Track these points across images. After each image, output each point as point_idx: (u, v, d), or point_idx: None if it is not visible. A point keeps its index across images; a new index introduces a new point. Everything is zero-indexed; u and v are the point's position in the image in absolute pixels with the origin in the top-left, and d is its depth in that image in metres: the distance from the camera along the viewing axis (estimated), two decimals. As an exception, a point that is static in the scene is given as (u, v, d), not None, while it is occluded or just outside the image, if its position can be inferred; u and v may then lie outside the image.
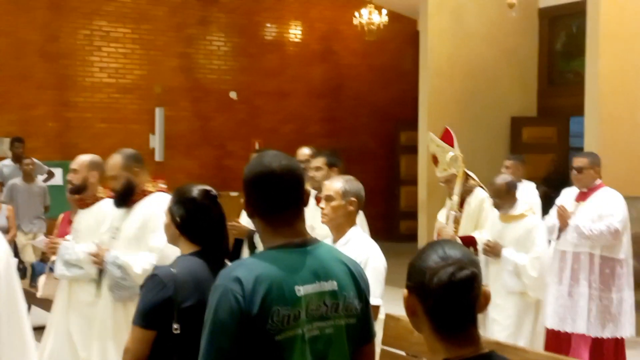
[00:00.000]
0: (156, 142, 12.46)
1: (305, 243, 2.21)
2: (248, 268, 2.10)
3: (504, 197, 5.28)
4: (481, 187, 5.74)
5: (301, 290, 2.11)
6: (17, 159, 9.76)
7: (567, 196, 6.04)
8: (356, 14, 12.49)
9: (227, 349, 2.03)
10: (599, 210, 5.58)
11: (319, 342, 2.14)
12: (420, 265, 1.78)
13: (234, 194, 10.80)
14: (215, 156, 13.14)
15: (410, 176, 13.23)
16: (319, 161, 5.50)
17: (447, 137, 5.79)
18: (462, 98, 12.30)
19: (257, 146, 13.41)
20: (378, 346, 4.07)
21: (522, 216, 5.29)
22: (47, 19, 11.91)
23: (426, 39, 11.94)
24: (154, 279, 2.70)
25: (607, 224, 5.46)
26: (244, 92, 13.51)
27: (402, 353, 4.18)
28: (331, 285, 2.18)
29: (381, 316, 4.07)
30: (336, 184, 3.72)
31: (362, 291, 2.28)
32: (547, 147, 12.96)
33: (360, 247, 3.65)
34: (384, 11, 12.67)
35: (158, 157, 12.51)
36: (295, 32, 14.16)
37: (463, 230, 5.65)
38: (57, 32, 12.01)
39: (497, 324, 5.19)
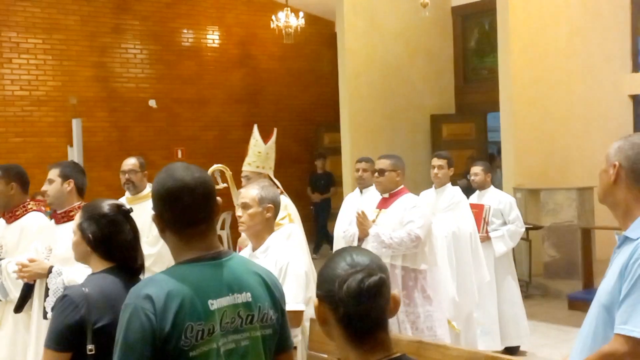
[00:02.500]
0: (75, 154, 12.13)
1: (217, 256, 2.19)
2: (159, 284, 2.06)
3: None
4: (284, 193, 5.13)
5: (214, 304, 2.09)
6: None
7: (367, 202, 5.69)
8: (273, 17, 12.47)
9: None
10: (400, 217, 5.11)
11: (234, 355, 2.13)
12: (328, 273, 1.78)
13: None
14: (136, 166, 12.88)
15: (335, 177, 13.32)
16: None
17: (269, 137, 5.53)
18: (382, 98, 12.43)
19: (179, 155, 13.25)
20: (305, 350, 4.07)
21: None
22: (-48, 31, 11.46)
23: (343, 40, 12.02)
24: (65, 300, 2.60)
25: (407, 230, 4.99)
26: (163, 100, 13.31)
27: (327, 356, 4.17)
28: (245, 297, 2.17)
29: (306, 323, 4.05)
30: (252, 191, 3.69)
31: (276, 301, 2.27)
32: (466, 142, 13.24)
33: (280, 254, 3.64)
34: (301, 14, 12.69)
35: (77, 170, 12.19)
36: (212, 38, 14.04)
37: None
38: (-37, 45, 11.57)
39: None
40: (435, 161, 6.24)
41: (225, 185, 5.66)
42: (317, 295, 1.80)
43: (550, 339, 7.26)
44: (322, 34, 14.92)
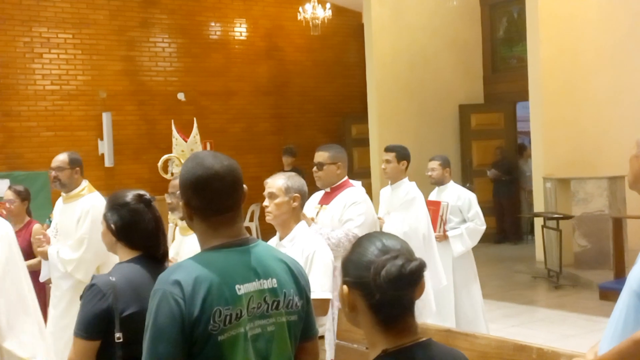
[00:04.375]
0: (105, 147, 12.28)
1: (244, 242, 2.20)
2: (187, 270, 2.08)
3: None
4: None
5: (241, 289, 2.10)
6: None
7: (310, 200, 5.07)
8: (300, 9, 12.47)
9: (169, 353, 2.01)
10: (340, 214, 4.63)
11: (261, 340, 2.14)
12: (359, 260, 1.76)
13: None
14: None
15: (363, 169, 13.29)
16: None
17: (181, 130, 5.08)
18: (409, 89, 12.39)
19: (208, 147, 13.31)
20: (333, 340, 4.07)
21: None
22: (-17, 28, 11.63)
23: (370, 31, 11.99)
24: (93, 289, 2.64)
25: (345, 230, 4.49)
26: (190, 93, 13.39)
27: (356, 346, 4.18)
28: (271, 282, 2.18)
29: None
30: (278, 181, 3.70)
31: (302, 288, 2.28)
32: (495, 132, 13.15)
33: (306, 243, 3.65)
34: (328, 5, 12.67)
35: (108, 162, 12.33)
36: (239, 30, 14.08)
37: None
38: (-6, 41, 11.73)
39: None
40: (383, 155, 5.74)
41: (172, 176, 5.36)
42: (346, 283, 1.78)
43: (580, 329, 7.19)
44: (349, 25, 14.88)
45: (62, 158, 5.09)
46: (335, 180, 4.71)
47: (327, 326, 3.80)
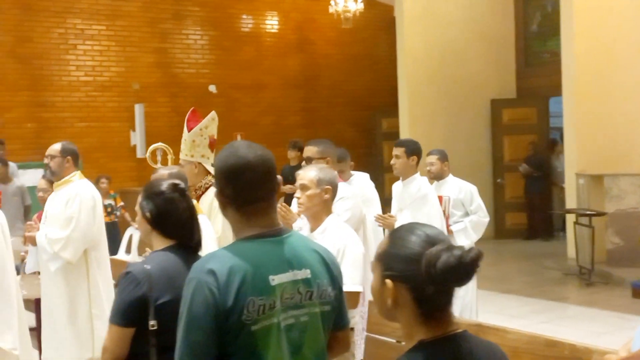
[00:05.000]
0: (137, 138, 12.38)
1: (277, 233, 2.21)
2: (221, 260, 2.09)
3: None
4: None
5: (275, 279, 2.11)
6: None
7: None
8: (332, 2, 12.44)
9: (203, 341, 2.03)
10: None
11: (294, 330, 2.15)
12: (404, 253, 1.72)
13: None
14: (195, 151, 13.05)
15: (392, 163, 13.24)
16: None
17: (194, 119, 4.92)
18: (440, 82, 12.33)
19: (239, 139, 13.38)
20: (363, 332, 4.08)
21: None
22: (18, 20, 11.77)
23: (402, 24, 11.94)
24: (128, 277, 2.67)
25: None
26: (221, 86, 13.46)
27: (387, 339, 4.19)
28: (304, 273, 2.18)
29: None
30: (310, 172, 3.71)
31: (335, 278, 2.28)
32: (527, 128, 13.03)
33: (337, 235, 3.65)
34: (360, -2, 12.63)
35: (139, 153, 12.42)
36: (271, 23, 14.11)
37: None
38: (29, 32, 11.87)
39: None
40: (393, 150, 5.61)
41: (159, 166, 5.22)
42: (389, 277, 1.74)
43: (611, 326, 7.12)
44: (380, 19, 14.83)
45: (55, 147, 5.13)
46: None
47: (357, 319, 3.80)
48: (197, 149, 4.73)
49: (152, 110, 12.60)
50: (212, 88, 13.38)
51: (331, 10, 12.47)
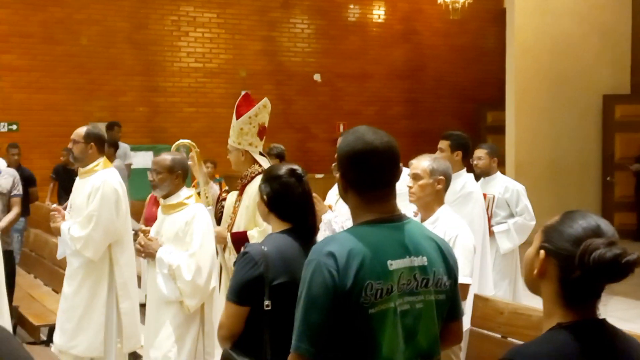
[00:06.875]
0: (242, 125, 12.62)
1: (397, 219, 2.22)
2: (341, 243, 2.12)
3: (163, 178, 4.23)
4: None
5: (393, 264, 2.12)
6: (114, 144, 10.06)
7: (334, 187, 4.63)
8: (441, -8, 12.31)
9: (321, 322, 2.06)
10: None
11: (409, 316, 2.15)
12: (569, 232, 1.73)
13: (319, 176, 10.85)
14: (298, 139, 13.23)
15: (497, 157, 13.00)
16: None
17: (245, 104, 4.71)
18: (551, 76, 11.99)
19: (341, 129, 13.44)
20: (467, 326, 4.05)
21: (182, 205, 4.24)
22: (135, 7, 12.23)
23: (513, 16, 11.67)
24: (246, 257, 2.75)
25: None
26: (326, 75, 13.55)
27: (492, 334, 4.13)
28: (421, 260, 2.19)
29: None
30: (424, 162, 3.70)
31: (450, 268, 2.28)
32: (641, 125, 12.49)
33: (448, 226, 3.63)
34: (469, -12, 12.44)
35: (243, 140, 12.70)
36: (377, 13, 14.08)
37: (237, 227, 4.46)
38: (144, 19, 12.32)
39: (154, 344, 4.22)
40: (439, 143, 5.42)
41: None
42: (545, 248, 1.76)
43: None
44: (489, 10, 14.55)
45: (80, 131, 4.91)
46: None
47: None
48: (244, 137, 4.52)
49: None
50: (317, 77, 13.50)
51: (439, 0, 12.33)
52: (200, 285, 4.05)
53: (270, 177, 2.95)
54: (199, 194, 4.60)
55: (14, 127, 11.40)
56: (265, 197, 2.91)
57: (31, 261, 7.89)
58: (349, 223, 4.19)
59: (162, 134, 12.14)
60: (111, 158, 9.62)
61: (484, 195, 5.66)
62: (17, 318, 6.07)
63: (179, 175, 4.23)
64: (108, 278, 4.84)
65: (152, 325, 4.23)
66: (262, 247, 2.77)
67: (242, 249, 2.85)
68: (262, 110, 4.64)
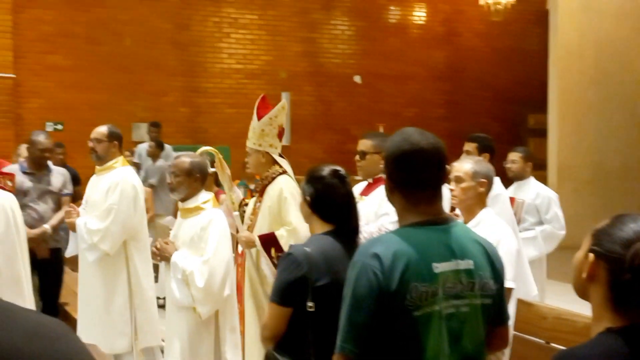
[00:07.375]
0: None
1: (441, 221, 2.21)
2: (386, 244, 2.12)
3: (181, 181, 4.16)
4: (287, 174, 4.52)
5: (438, 267, 2.11)
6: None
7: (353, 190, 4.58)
8: (483, -6, 12.22)
9: (365, 324, 2.06)
10: (377, 207, 4.33)
11: (454, 320, 2.14)
12: (619, 235, 1.72)
13: (358, 178, 10.81)
14: (338, 141, 13.22)
15: (539, 160, 12.82)
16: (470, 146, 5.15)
17: (263, 106, 4.65)
18: (594, 78, 11.81)
19: (381, 130, 13.41)
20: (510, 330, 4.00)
21: (199, 209, 4.17)
22: (178, 8, 12.37)
23: (556, 17, 11.53)
24: (289, 258, 2.75)
25: (379, 225, 4.19)
26: (366, 76, 13.54)
27: (535, 339, 4.08)
28: (467, 264, 2.17)
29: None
30: (466, 165, 3.68)
31: (497, 272, 2.26)
32: (687, 128, 12.23)
33: (491, 229, 3.59)
34: (512, -10, 12.32)
35: (285, 141, 12.62)
36: (418, 15, 14.02)
37: (259, 228, 4.38)
38: (187, 20, 12.45)
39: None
40: (465, 145, 5.32)
41: (213, 169, 4.96)
42: (594, 251, 1.74)
43: None
44: (531, 11, 14.37)
45: (101, 130, 5.02)
46: (377, 171, 4.39)
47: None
48: (265, 138, 4.49)
49: (298, 99, 12.86)
50: (357, 78, 13.49)
51: (481, 2, 12.24)
52: (213, 292, 3.98)
53: (313, 177, 2.94)
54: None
55: (60, 126, 11.61)
56: (308, 197, 2.91)
57: (76, 259, 8.00)
58: (369, 227, 4.17)
59: (203, 135, 12.24)
60: (156, 157, 9.74)
61: (512, 199, 5.51)
62: (63, 315, 6.17)
63: (197, 178, 4.15)
64: (125, 274, 4.89)
65: (169, 328, 4.23)
66: (305, 248, 2.78)
67: (287, 251, 2.86)
68: (280, 112, 4.63)
